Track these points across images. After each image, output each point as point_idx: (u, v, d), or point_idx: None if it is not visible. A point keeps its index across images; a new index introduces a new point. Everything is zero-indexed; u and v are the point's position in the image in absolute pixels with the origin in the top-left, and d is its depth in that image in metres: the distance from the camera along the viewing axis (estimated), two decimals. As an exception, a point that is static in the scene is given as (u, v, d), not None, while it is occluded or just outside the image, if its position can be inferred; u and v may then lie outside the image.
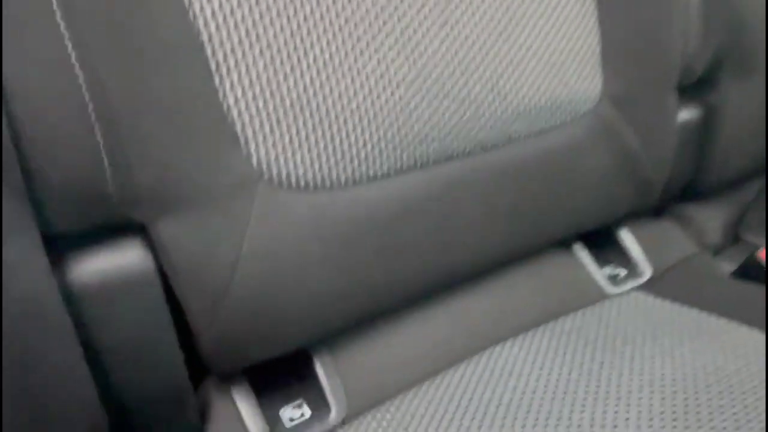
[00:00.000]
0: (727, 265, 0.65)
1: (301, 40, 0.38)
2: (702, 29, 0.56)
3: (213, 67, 0.36)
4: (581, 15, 0.51)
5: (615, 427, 0.39)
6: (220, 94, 0.36)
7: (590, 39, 0.51)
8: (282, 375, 0.48)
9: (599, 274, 0.59)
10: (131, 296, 0.35)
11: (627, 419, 0.39)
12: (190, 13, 0.34)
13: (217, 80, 0.36)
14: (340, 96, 0.40)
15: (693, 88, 0.60)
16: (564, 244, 0.61)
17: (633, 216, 0.62)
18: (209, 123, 0.36)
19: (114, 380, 0.36)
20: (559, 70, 0.49)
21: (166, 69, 0.34)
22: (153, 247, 0.36)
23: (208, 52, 0.35)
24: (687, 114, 0.62)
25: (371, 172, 0.43)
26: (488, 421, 0.41)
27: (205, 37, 0.35)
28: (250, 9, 0.36)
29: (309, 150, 0.39)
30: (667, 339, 0.48)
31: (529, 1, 0.47)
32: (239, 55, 0.36)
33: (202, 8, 0.35)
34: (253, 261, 0.38)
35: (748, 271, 0.63)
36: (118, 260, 0.35)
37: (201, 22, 0.35)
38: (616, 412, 0.40)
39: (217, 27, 0.35)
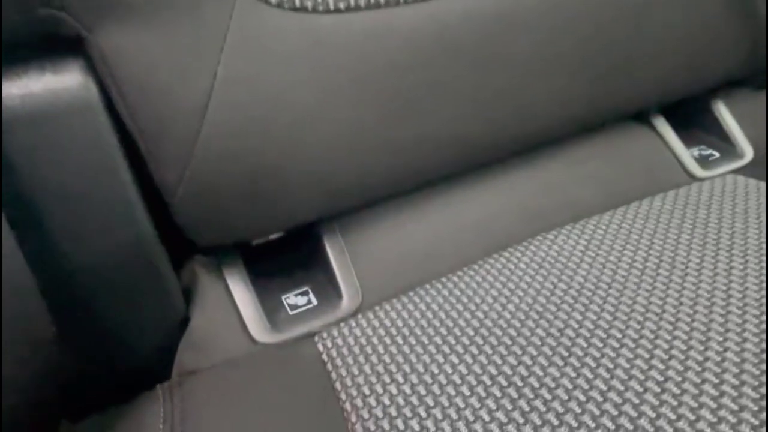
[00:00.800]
0: None
1: None
2: None
3: None
4: None
5: (710, 321, 0.29)
6: None
7: None
8: (289, 262, 0.41)
9: (686, 154, 0.48)
10: (68, 131, 0.27)
11: (727, 312, 0.29)
12: None
13: None
14: None
15: None
16: (642, 119, 0.49)
17: (731, 86, 0.50)
18: None
19: (53, 238, 0.28)
20: None
21: None
22: (96, 69, 0.28)
23: None
24: None
25: (391, -7, 0.32)
26: (534, 314, 0.32)
27: None
28: None
29: None
30: (778, 224, 0.37)
31: None
32: None
33: None
34: (232, 89, 0.29)
35: None
36: (50, 83, 0.27)
37: None
38: (710, 303, 0.30)
39: None
